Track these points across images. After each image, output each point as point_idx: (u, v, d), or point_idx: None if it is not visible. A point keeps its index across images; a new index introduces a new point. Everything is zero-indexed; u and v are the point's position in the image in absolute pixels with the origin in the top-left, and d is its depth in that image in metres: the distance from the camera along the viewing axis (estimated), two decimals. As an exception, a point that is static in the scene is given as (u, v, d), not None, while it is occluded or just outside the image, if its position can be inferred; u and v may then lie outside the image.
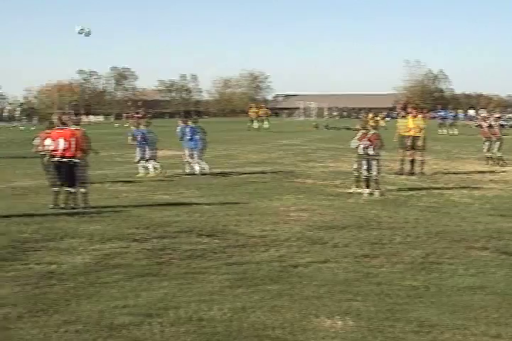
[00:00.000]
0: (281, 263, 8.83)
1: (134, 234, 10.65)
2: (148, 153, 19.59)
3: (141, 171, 19.47)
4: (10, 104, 60.49)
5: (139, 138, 19.76)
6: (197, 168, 19.67)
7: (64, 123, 13.75)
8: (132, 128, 20.76)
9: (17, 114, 54.05)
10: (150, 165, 19.51)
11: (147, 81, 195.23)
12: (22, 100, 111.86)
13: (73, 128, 13.61)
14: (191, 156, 20.04)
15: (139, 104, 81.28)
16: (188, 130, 20.36)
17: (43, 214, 12.40)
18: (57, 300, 7.04)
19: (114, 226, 11.25)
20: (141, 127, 20.45)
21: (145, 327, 6.25)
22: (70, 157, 13.21)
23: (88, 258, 8.95)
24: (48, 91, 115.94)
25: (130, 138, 20.09)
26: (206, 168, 19.71)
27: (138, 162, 19.68)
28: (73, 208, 12.95)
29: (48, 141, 13.70)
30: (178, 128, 20.87)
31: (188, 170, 19.89)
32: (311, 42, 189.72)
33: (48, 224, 11.39)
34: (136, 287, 7.59)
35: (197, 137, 20.16)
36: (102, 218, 12.05)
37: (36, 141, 17.44)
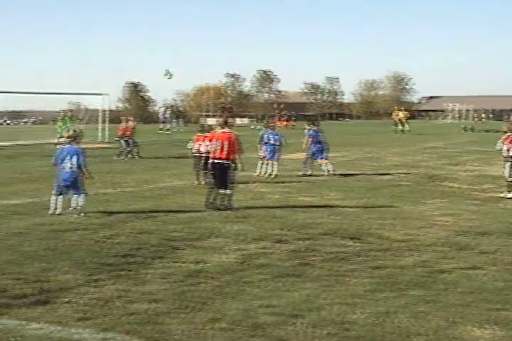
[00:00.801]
0: (425, 268, 8.67)
1: (277, 234, 10.78)
2: (272, 154, 20.11)
3: (258, 170, 19.94)
4: (168, 107, 62.86)
5: (268, 138, 20.35)
6: (327, 169, 20.29)
7: (221, 126, 14.14)
8: (263, 128, 21.44)
9: (166, 116, 55.98)
10: (270, 165, 20.05)
11: (289, 83, 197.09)
12: (172, 103, 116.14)
13: (226, 130, 13.94)
14: (315, 157, 20.63)
15: (282, 106, 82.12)
16: (312, 132, 20.92)
17: (188, 213, 12.79)
18: (204, 298, 7.25)
19: (258, 227, 11.44)
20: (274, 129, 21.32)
21: (288, 327, 6.32)
22: (224, 159, 13.57)
23: (233, 258, 9.16)
24: (196, 94, 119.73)
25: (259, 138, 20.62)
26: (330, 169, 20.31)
27: (261, 160, 20.23)
28: (218, 209, 13.27)
29: (206, 143, 14.23)
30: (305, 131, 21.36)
31: (309, 172, 20.38)
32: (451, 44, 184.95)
33: (194, 223, 11.74)
34: (280, 287, 7.69)
35: (321, 139, 20.80)
36: (245, 219, 12.28)
37: (190, 145, 18.27)
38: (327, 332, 6.21)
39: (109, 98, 44.00)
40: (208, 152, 14.19)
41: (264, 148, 20.29)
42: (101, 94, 41.31)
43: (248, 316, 6.61)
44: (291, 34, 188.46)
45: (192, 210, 13.15)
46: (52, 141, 36.36)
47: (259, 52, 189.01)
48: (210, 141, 14.15)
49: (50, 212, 12.67)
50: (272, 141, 20.34)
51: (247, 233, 10.89)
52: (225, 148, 13.53)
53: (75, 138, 13.19)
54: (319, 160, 20.65)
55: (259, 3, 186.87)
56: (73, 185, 12.78)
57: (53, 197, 12.86)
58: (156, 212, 12.91)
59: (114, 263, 8.74)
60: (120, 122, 28.11)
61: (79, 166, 12.77)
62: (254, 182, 18.28)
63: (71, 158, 12.73)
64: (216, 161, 13.59)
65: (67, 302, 7.05)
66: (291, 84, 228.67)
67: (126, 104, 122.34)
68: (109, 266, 8.55)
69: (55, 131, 37.53)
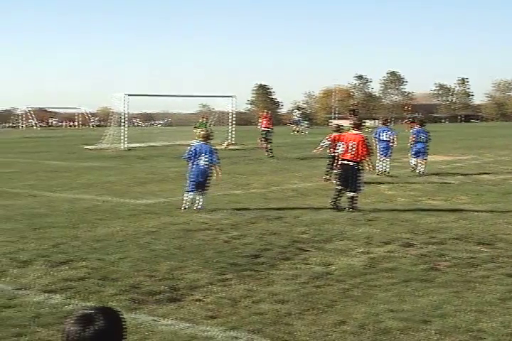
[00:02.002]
0: (562, 277, 8.26)
1: (405, 238, 10.62)
2: (385, 152, 20.72)
3: (377, 170, 20.18)
4: (298, 109, 63.43)
5: (380, 135, 20.98)
6: (420, 169, 20.68)
7: (352, 127, 14.15)
8: (380, 126, 22.39)
9: (296, 118, 56.39)
10: (383, 162, 20.68)
11: (416, 85, 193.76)
12: (301, 104, 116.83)
13: (355, 132, 13.93)
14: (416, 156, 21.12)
15: (409, 108, 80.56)
16: (416, 131, 21.49)
17: (315, 215, 12.82)
18: (330, 300, 7.25)
19: (385, 230, 11.31)
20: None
21: (420, 333, 6.21)
22: (351, 160, 13.57)
23: (360, 261, 9.10)
24: (324, 95, 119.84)
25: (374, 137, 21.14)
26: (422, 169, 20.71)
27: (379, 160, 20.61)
28: (343, 210, 13.25)
29: (339, 144, 14.31)
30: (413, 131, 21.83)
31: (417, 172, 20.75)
32: None
33: (320, 225, 11.75)
34: (411, 292, 7.56)
35: (425, 140, 21.26)
36: (372, 221, 12.17)
37: (324, 142, 18.64)
38: (453, 339, 6.06)
39: (238, 100, 44.74)
40: (339, 152, 14.30)
41: (378, 145, 20.77)
42: (230, 97, 42.08)
43: (374, 320, 6.55)
44: (420, 35, 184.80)
45: (318, 212, 13.17)
46: (183, 142, 37.45)
47: (387, 53, 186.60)
48: (340, 141, 14.23)
49: (183, 208, 13.29)
50: (384, 138, 20.80)
51: (371, 236, 10.80)
52: (354, 149, 13.52)
53: (207, 137, 13.75)
54: (419, 160, 20.90)
55: (392, 6, 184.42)
56: (203, 183, 13.41)
57: (186, 194, 13.49)
58: (283, 213, 13.02)
59: (242, 263, 8.90)
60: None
61: (211, 164, 13.39)
62: (380, 183, 18.10)
63: (204, 156, 13.34)
64: (344, 162, 13.63)
65: (196, 301, 7.25)
66: (418, 85, 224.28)
67: (252, 106, 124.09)
68: (237, 266, 8.71)
69: (186, 133, 38.56)
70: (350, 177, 13.51)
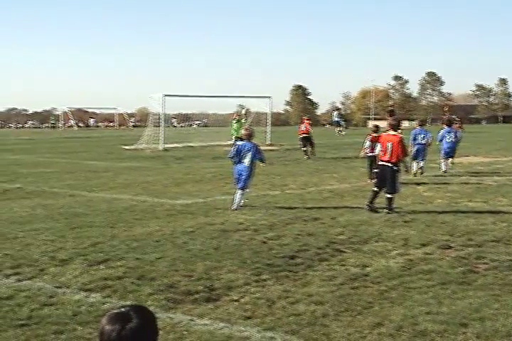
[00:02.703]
0: None
1: (442, 240, 10.52)
2: (418, 153, 20.78)
3: (413, 170, 20.24)
4: (337, 109, 63.47)
5: (416, 137, 21.12)
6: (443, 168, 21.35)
7: (389, 128, 14.07)
8: (416, 127, 22.13)
9: (334, 118, 56.33)
10: (416, 164, 20.75)
11: (454, 86, 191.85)
12: (339, 105, 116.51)
13: (391, 133, 13.86)
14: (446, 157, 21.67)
15: (447, 109, 79.80)
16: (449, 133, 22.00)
17: (351, 216, 12.76)
18: (371, 302, 7.21)
19: (422, 232, 11.22)
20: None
21: (459, 337, 6.13)
22: (388, 161, 13.51)
23: (397, 262, 9.03)
24: (361, 96, 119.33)
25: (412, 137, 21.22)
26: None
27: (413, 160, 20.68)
28: (378, 211, 13.19)
29: (377, 145, 14.28)
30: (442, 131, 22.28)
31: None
32: None
33: (357, 226, 11.70)
34: (449, 295, 7.48)
35: (453, 140, 21.88)
36: (409, 223, 12.07)
37: (366, 143, 18.68)
38: (503, 343, 5.98)
39: (276, 101, 44.86)
40: (377, 153, 14.31)
41: (414, 147, 20.98)
42: (267, 97, 42.15)
43: (411, 322, 6.49)
44: (459, 35, 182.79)
45: (355, 213, 13.12)
46: (220, 143, 37.58)
47: (425, 54, 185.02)
48: (378, 142, 14.20)
49: (233, 207, 13.63)
50: (420, 140, 21.04)
51: (411, 237, 10.71)
52: (390, 150, 13.45)
53: (250, 135, 14.13)
54: (449, 159, 21.76)
55: (430, 6, 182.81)
56: (244, 179, 13.74)
57: (237, 192, 13.86)
58: (320, 214, 12.99)
59: (279, 264, 8.89)
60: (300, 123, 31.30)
61: (257, 162, 13.85)
62: (417, 184, 17.97)
63: (248, 154, 13.73)
64: (382, 163, 13.58)
65: (233, 301, 7.27)
66: (456, 86, 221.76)
67: (288, 107, 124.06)
68: (273, 267, 8.71)
69: (222, 134, 38.70)
70: (387, 178, 13.44)
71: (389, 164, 13.47)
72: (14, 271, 8.55)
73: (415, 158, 20.68)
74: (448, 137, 21.81)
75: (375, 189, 13.62)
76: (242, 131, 14.62)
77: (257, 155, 13.88)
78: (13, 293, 7.54)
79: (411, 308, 6.95)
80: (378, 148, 14.02)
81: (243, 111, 37.59)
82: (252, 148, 13.82)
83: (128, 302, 6.84)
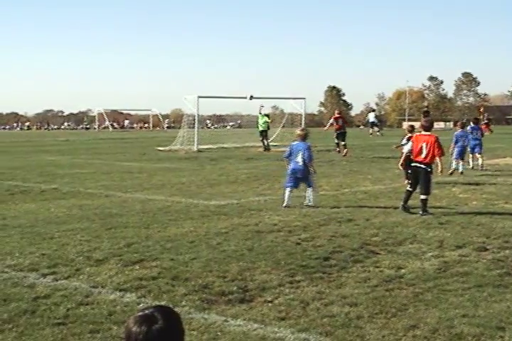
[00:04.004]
0: None
1: (478, 242, 10.40)
2: (459, 154, 21.79)
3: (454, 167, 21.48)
4: (373, 111, 63.51)
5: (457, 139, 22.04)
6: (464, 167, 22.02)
7: (425, 129, 13.95)
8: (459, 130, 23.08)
9: (370, 120, 56.23)
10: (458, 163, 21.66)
11: (491, 86, 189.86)
12: (374, 106, 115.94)
13: (425, 133, 13.76)
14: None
15: (481, 109, 78.95)
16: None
17: (385, 218, 12.69)
18: (406, 304, 7.14)
19: (458, 234, 11.11)
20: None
21: (489, 339, 6.06)
22: (422, 162, 13.42)
23: (432, 265, 8.95)
24: (396, 97, 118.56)
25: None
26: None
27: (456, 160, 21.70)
28: (412, 212, 13.12)
29: (407, 145, 14.23)
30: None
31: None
32: None
33: (391, 228, 11.61)
34: (485, 297, 7.38)
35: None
36: (445, 225, 11.96)
37: (404, 141, 18.60)
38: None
39: (310, 102, 44.81)
40: (405, 152, 14.27)
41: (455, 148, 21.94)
42: (301, 99, 42.10)
43: (447, 325, 6.43)
44: (494, 35, 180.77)
45: (390, 215, 13.04)
46: (254, 144, 37.62)
47: (460, 54, 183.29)
48: (415, 143, 14.10)
49: (284, 205, 13.99)
50: (461, 142, 22.03)
51: (446, 239, 10.61)
52: (424, 151, 13.36)
53: (305, 136, 14.63)
54: (477, 155, 23.08)
55: (464, 6, 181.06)
56: (304, 178, 14.26)
57: (285, 190, 14.29)
58: (354, 215, 12.94)
59: (313, 265, 8.87)
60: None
61: (307, 161, 14.22)
62: (453, 186, 17.80)
63: (301, 153, 14.22)
64: (416, 165, 13.49)
65: (267, 302, 7.27)
66: (492, 86, 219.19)
67: (322, 108, 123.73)
68: (307, 268, 8.69)
69: (256, 135, 38.68)
70: (420, 179, 13.35)
71: (422, 165, 13.36)
72: (51, 270, 8.66)
73: (457, 158, 21.76)
74: (474, 134, 23.25)
75: (409, 189, 13.54)
76: (297, 131, 15.10)
77: (306, 154, 14.25)
78: (50, 292, 7.63)
79: (446, 311, 6.88)
80: (407, 147, 14.00)
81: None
82: (304, 147, 14.32)
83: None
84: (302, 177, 14.27)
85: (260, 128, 36.32)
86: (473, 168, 22.79)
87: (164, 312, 2.86)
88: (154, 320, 2.79)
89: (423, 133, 13.82)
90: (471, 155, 23.31)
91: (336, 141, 31.04)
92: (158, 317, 2.80)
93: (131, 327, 2.80)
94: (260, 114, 37.12)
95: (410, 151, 13.87)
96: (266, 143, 36.13)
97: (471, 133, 23.15)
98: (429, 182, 13.47)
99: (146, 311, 2.85)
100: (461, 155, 21.85)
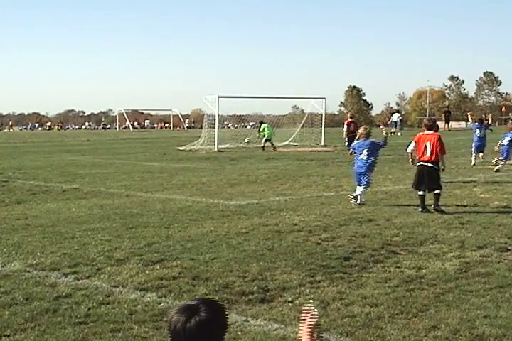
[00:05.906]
0: None
1: (500, 243, 10.32)
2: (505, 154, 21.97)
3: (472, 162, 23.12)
4: (397, 111, 63.63)
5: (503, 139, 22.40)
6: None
7: (428, 128, 13.96)
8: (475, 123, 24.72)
9: (393, 120, 56.25)
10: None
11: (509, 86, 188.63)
12: (394, 106, 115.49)
13: (428, 132, 13.83)
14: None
15: (503, 109, 78.38)
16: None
17: (406, 218, 12.63)
18: (427, 304, 7.12)
19: (477, 234, 11.03)
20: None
21: (513, 341, 6.03)
22: (427, 161, 13.54)
23: (453, 265, 8.90)
24: (416, 97, 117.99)
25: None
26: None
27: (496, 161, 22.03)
28: (430, 211, 13.15)
29: (411, 143, 14.21)
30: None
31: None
32: None
33: (412, 228, 11.56)
34: (507, 298, 7.33)
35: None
36: (466, 225, 11.88)
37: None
38: None
39: (330, 102, 44.79)
40: (408, 151, 14.44)
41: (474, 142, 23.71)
42: (321, 98, 42.01)
43: (468, 326, 6.39)
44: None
45: (410, 215, 12.98)
46: (276, 144, 37.61)
47: (481, 53, 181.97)
48: (417, 142, 14.06)
49: (352, 202, 14.25)
50: (478, 134, 23.74)
51: (467, 240, 10.54)
52: (428, 149, 13.42)
53: (368, 134, 14.99)
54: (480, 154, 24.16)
55: (484, 6, 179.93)
56: (363, 175, 14.62)
57: (357, 188, 14.68)
58: (375, 215, 12.90)
59: (333, 265, 8.86)
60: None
61: (374, 156, 14.77)
62: (474, 186, 17.69)
63: (365, 150, 14.67)
64: (422, 164, 13.63)
65: (287, 302, 7.27)
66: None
67: (343, 108, 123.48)
68: (328, 268, 8.68)
69: (277, 135, 38.71)
70: (429, 177, 13.41)
71: (429, 164, 13.50)
72: (72, 269, 8.72)
73: (475, 151, 23.75)
74: (477, 132, 24.31)
75: (420, 193, 13.54)
76: (360, 130, 15.47)
77: (376, 146, 14.81)
78: (71, 292, 7.69)
79: (468, 312, 6.84)
80: (411, 147, 14.07)
81: None
82: (368, 144, 14.72)
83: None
84: (362, 174, 14.67)
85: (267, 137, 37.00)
86: (474, 165, 23.65)
87: (209, 304, 2.85)
88: (197, 310, 2.79)
89: (426, 132, 13.86)
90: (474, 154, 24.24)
91: (347, 144, 31.32)
92: (201, 309, 2.80)
93: (173, 315, 2.82)
94: (264, 123, 38.40)
95: (412, 151, 14.09)
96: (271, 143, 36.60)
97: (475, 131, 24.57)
98: (439, 178, 13.60)
99: (192, 302, 2.86)
100: (480, 150, 23.71)
